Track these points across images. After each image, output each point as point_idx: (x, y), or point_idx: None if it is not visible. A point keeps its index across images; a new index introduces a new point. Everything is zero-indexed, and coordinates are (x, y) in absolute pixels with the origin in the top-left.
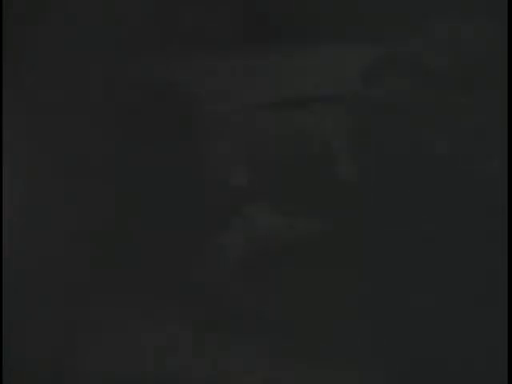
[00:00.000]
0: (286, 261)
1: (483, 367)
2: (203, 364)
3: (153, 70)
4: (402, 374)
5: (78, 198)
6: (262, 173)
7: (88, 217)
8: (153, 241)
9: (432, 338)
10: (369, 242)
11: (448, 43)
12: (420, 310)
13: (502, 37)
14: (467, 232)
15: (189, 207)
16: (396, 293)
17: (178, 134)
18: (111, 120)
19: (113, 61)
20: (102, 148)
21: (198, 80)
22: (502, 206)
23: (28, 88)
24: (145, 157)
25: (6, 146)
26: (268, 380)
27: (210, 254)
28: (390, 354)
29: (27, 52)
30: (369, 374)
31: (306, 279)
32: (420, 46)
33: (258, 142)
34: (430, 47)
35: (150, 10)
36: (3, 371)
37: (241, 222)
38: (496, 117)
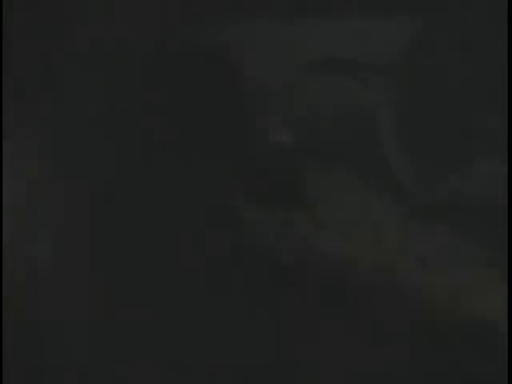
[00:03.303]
0: None
1: None
2: None
3: (202, 33)
4: None
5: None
6: (306, 134)
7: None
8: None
9: None
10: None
11: (488, 16)
12: None
13: None
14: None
15: (235, 164)
16: None
17: (226, 95)
18: (158, 81)
19: (160, 25)
20: (151, 103)
21: (248, 41)
22: None
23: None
24: (191, 117)
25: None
26: None
27: None
28: None
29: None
30: None
31: None
32: (459, 19)
33: (304, 104)
34: (470, 20)
35: None
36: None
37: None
38: None
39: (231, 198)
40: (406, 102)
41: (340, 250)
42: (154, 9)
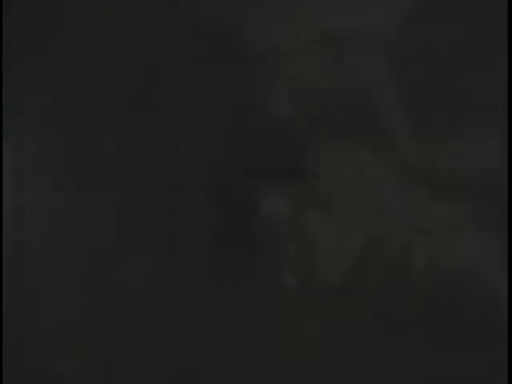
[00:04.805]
0: None
1: None
2: None
3: (203, 7)
4: None
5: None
6: (310, 106)
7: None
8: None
9: None
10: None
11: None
12: None
13: None
14: None
15: (240, 139)
16: None
17: (224, 68)
18: (161, 57)
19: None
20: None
21: (249, 14)
22: None
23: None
24: (194, 93)
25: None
26: None
27: None
28: None
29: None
30: None
31: None
32: None
33: (307, 76)
34: None
35: None
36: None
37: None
38: None
39: (230, 172)
40: (407, 76)
41: (342, 224)
42: None
